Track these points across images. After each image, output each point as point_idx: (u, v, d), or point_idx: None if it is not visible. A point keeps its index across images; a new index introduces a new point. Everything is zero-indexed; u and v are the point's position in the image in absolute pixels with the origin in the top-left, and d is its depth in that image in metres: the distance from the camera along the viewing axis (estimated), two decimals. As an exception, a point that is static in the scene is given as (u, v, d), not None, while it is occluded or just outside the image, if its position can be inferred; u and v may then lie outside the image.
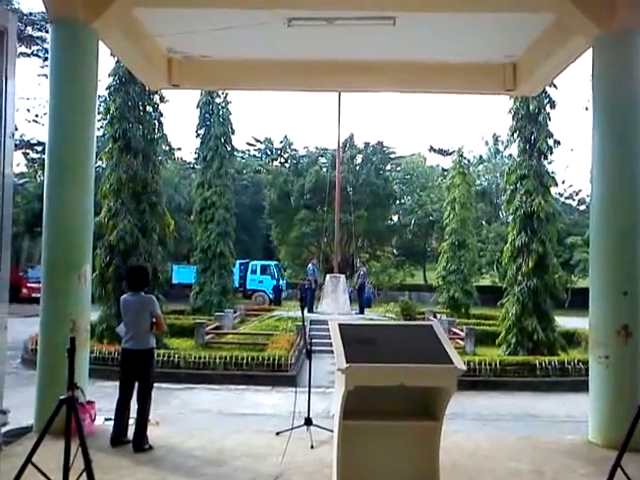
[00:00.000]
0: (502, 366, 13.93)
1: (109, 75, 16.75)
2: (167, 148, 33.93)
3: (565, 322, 19.68)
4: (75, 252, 6.78)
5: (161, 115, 17.65)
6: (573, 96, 59.08)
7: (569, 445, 6.72)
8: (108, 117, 16.64)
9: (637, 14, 6.75)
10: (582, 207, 41.71)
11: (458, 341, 18.30)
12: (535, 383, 13.60)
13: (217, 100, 27.83)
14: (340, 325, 4.92)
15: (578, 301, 21.62)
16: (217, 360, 13.92)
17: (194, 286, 27.07)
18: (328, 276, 23.09)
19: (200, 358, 13.97)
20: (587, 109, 45.05)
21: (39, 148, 30.38)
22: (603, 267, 6.89)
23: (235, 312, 23.46)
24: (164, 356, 13.74)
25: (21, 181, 33.52)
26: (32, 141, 31.30)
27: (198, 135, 28.20)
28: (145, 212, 16.40)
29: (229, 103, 27.57)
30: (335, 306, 21.33)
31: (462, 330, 18.54)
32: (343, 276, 23.04)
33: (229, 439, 6.74)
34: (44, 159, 7.22)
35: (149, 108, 17.11)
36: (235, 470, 5.68)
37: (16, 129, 21.99)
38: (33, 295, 25.93)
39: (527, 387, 13.39)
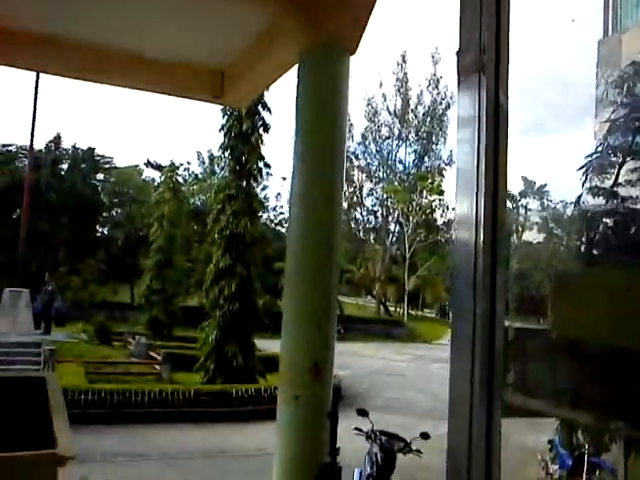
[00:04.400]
0: (197, 396, 13.07)
1: None
2: None
3: (269, 346, 19.61)
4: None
5: None
6: (289, 126, 62.26)
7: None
8: None
9: (343, 29, 6.37)
10: (291, 234, 43.62)
11: (155, 366, 17.13)
12: (231, 413, 13.02)
13: None
14: None
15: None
16: None
17: None
18: (7, 290, 20.00)
19: None
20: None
21: None
22: (296, 300, 6.27)
23: None
24: None
25: None
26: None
27: None
28: None
29: None
30: (13, 325, 18.44)
31: (160, 354, 17.35)
32: (26, 291, 20.13)
33: None
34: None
35: None
36: None
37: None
38: None
39: (223, 418, 12.78)
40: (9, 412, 3.32)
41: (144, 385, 13.57)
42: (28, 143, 30.30)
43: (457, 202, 1.67)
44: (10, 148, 39.78)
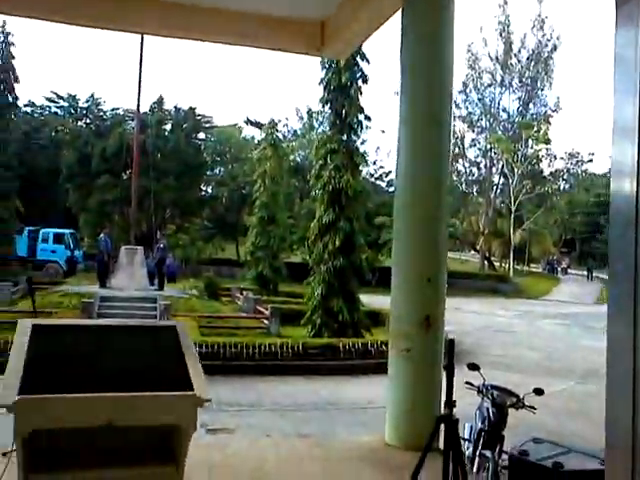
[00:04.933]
0: (305, 349, 13.37)
1: None
2: None
3: (372, 300, 19.74)
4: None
5: None
6: (386, 78, 61.20)
7: (365, 450, 5.94)
8: None
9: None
10: (391, 188, 43.18)
11: (263, 321, 17.62)
12: (339, 366, 13.21)
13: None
14: (35, 327, 3.42)
15: (385, 279, 21.85)
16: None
17: (-34, 255, 23.75)
18: (123, 248, 21.13)
19: None
20: (397, 94, 47.13)
21: None
22: (406, 253, 6.20)
23: (16, 285, 20.74)
24: None
25: None
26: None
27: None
28: None
29: (11, 45, 24.27)
30: (130, 281, 19.50)
31: (267, 309, 17.83)
32: (140, 248, 21.19)
33: None
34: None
35: None
36: None
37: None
38: None
39: (330, 371, 12.96)
40: (146, 356, 3.48)
41: (254, 338, 14.01)
42: (132, 106, 31.34)
43: (614, 150, 1.53)
44: (118, 111, 41.54)
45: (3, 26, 24.44)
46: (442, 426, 3.65)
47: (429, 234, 6.13)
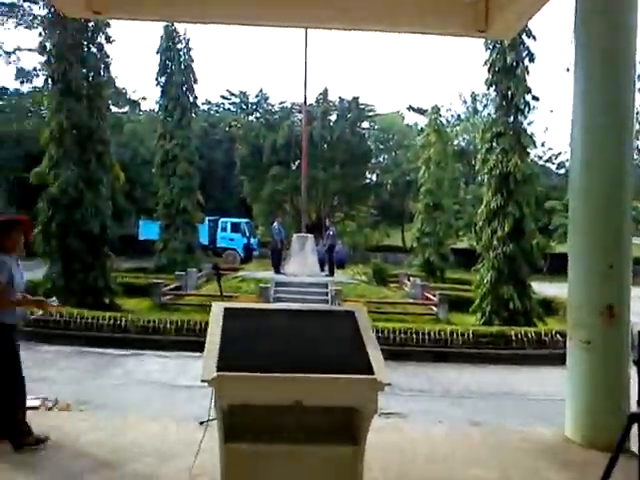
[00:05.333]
0: (475, 337, 13.17)
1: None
2: (129, 97, 32.14)
3: (544, 288, 18.96)
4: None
5: (107, 56, 16.13)
6: (554, 54, 57.70)
7: (543, 443, 5.76)
8: (45, 55, 15.21)
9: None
10: (561, 171, 40.87)
11: (431, 307, 17.61)
12: (510, 355, 12.87)
13: (178, 46, 26.77)
14: (227, 310, 3.71)
15: (557, 266, 20.83)
16: (168, 324, 13.13)
17: (157, 243, 26.11)
18: (295, 236, 22.02)
19: (149, 322, 13.16)
20: (568, 70, 43.96)
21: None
22: (585, 238, 5.87)
23: (201, 271, 22.59)
24: (110, 319, 13.16)
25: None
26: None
27: (158, 83, 27.02)
28: (91, 162, 15.11)
29: (191, 50, 26.57)
30: (302, 267, 20.30)
31: (435, 295, 17.76)
32: (311, 236, 21.96)
33: (141, 429, 5.68)
34: None
35: (93, 48, 15.66)
36: (130, 476, 4.56)
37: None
38: None
39: (501, 359, 12.65)
40: (327, 340, 3.67)
41: (423, 324, 14.03)
42: (298, 99, 32.43)
43: None
44: (285, 105, 43.23)
45: (184, 33, 26.73)
46: (633, 426, 3.39)
47: (610, 218, 5.77)
